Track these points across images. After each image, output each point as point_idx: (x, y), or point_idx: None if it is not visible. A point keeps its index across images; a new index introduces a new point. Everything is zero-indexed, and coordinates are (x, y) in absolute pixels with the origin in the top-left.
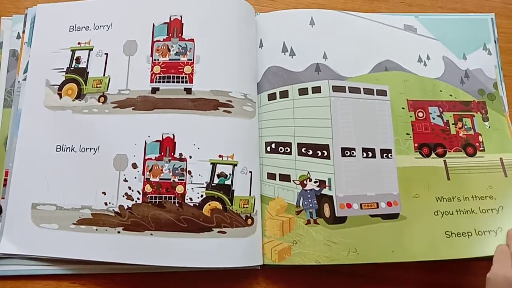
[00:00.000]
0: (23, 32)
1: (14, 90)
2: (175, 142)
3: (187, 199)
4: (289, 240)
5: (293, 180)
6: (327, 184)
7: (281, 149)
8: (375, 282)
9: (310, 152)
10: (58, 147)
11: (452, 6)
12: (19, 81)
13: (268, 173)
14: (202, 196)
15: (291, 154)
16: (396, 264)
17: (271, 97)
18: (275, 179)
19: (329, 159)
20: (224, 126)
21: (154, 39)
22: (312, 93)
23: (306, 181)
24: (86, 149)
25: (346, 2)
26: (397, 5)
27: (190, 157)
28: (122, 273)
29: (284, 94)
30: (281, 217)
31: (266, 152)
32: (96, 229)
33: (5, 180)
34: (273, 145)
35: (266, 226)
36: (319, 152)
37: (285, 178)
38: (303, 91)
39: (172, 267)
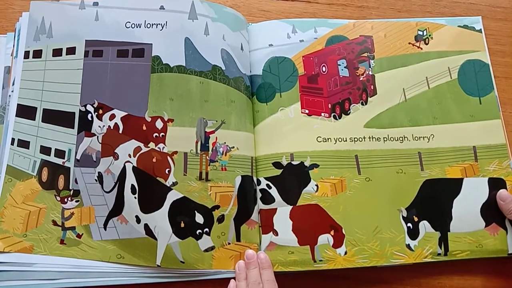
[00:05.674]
0: (14, 46)
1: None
2: None
3: None
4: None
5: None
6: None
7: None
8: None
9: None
10: None
11: (440, 10)
12: (9, 95)
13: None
14: None
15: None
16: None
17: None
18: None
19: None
20: None
21: None
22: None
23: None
24: None
25: (337, 10)
26: (387, 11)
27: None
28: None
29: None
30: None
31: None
32: None
33: None
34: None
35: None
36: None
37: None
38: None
39: None
